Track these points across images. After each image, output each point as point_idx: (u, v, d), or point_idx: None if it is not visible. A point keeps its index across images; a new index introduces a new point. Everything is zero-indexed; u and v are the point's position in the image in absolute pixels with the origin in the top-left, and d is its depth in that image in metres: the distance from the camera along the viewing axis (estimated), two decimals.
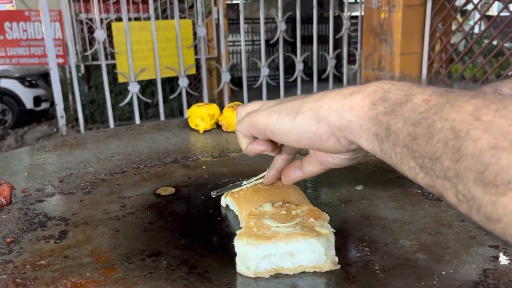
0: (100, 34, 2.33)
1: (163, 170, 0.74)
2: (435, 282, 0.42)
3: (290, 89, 3.37)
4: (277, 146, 0.50)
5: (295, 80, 2.87)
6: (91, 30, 4.72)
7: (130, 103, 2.47)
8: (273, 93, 2.52)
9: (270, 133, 0.44)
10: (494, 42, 2.60)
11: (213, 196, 0.59)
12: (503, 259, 0.45)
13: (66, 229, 0.54)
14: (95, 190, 0.66)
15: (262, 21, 2.66)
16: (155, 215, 0.58)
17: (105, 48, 2.62)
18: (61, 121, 2.30)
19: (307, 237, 0.45)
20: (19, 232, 0.54)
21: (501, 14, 2.12)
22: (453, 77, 2.64)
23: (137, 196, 0.64)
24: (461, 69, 2.48)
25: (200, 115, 0.91)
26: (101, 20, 2.71)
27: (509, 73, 3.01)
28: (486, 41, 2.48)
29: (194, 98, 3.90)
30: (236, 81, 3.98)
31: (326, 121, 0.39)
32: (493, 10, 4.22)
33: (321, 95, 0.41)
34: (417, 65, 2.68)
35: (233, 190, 0.59)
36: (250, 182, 0.59)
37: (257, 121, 0.44)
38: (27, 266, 0.46)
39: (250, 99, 2.06)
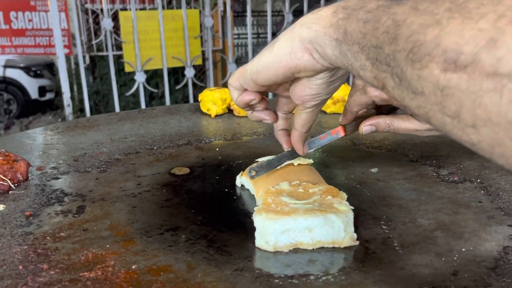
0: (107, 23, 2.32)
1: (177, 151, 0.74)
2: (455, 258, 0.42)
3: None
4: (264, 99, 0.51)
5: None
6: (96, 21, 4.71)
7: (134, 95, 2.46)
8: None
9: (255, 75, 0.45)
10: None
11: (250, 178, 0.57)
12: None
13: (84, 204, 0.55)
14: (110, 169, 0.66)
15: (269, 12, 2.65)
16: (171, 193, 0.58)
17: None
18: (68, 110, 2.30)
19: (326, 213, 0.46)
20: (37, 206, 0.54)
21: None
22: None
23: (152, 175, 0.64)
24: None
25: (212, 99, 0.91)
26: (108, 10, 2.70)
27: None
28: None
29: (199, 90, 3.91)
30: None
31: (298, 37, 0.40)
32: None
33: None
34: None
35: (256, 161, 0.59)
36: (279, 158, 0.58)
37: (244, 69, 0.46)
38: (47, 237, 0.46)
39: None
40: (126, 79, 4.51)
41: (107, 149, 0.74)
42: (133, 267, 0.41)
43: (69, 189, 0.59)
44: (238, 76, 0.48)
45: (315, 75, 0.42)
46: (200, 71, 4.92)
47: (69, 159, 0.70)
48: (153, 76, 4.49)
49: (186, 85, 2.62)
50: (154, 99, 5.08)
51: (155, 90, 2.88)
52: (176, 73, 4.82)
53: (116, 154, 0.72)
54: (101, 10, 3.29)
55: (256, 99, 0.48)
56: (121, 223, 0.50)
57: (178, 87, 2.69)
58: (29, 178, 0.62)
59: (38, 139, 0.80)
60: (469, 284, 0.38)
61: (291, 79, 0.45)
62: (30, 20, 3.99)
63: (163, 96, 3.44)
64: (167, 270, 0.41)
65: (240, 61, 6.22)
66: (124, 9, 3.89)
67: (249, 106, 0.50)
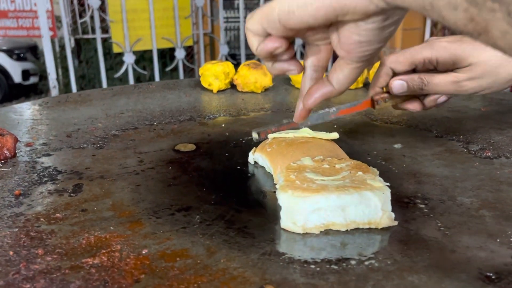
0: (94, 1, 2.22)
1: (179, 127, 0.68)
2: (511, 239, 0.37)
3: None
4: (291, 47, 0.41)
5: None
6: (81, 2, 4.56)
7: (121, 79, 2.37)
8: None
9: (286, 16, 0.35)
10: None
11: (255, 141, 0.52)
12: None
13: (80, 182, 0.48)
14: (107, 145, 0.60)
15: None
16: (178, 170, 0.52)
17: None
18: (54, 92, 2.21)
19: (360, 190, 0.40)
20: (27, 185, 0.47)
21: None
22: None
23: (155, 152, 0.58)
24: None
25: (214, 73, 0.84)
26: None
27: None
28: None
29: (188, 74, 3.80)
30: (230, 58, 3.88)
31: None
32: None
33: None
34: (419, 41, 2.62)
35: (270, 137, 0.53)
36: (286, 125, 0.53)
37: (271, 8, 0.36)
38: (41, 219, 0.40)
39: None
40: (112, 63, 4.39)
41: (102, 125, 0.68)
42: (144, 252, 0.35)
43: (63, 166, 0.53)
44: (260, 18, 0.38)
45: (365, 19, 0.33)
46: (188, 55, 4.81)
47: (61, 135, 0.63)
48: (140, 60, 4.37)
49: (175, 68, 2.54)
50: (141, 82, 4.97)
51: (145, 72, 2.80)
52: (164, 57, 4.71)
53: (113, 130, 0.66)
54: None
55: (282, 47, 0.38)
56: (125, 202, 0.44)
57: (168, 68, 2.60)
58: (17, 155, 0.55)
59: (25, 114, 0.72)
60: None
61: (330, 23, 0.36)
62: (12, 1, 3.83)
63: (150, 80, 3.35)
64: (183, 255, 0.35)
65: (229, 44, 6.12)
66: None
67: (272, 56, 0.40)
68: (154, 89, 0.87)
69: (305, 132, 0.55)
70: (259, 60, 2.71)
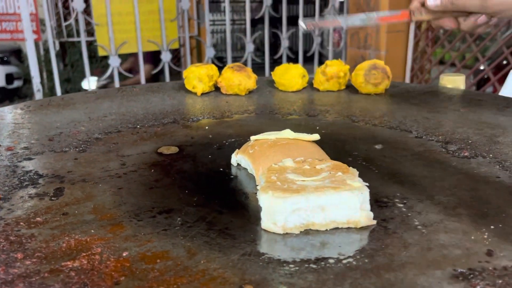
0: (78, 4, 2.20)
1: (163, 130, 0.68)
2: (485, 236, 0.38)
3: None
4: None
5: (280, 58, 2.81)
6: (66, 5, 4.52)
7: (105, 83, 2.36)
8: (256, 71, 2.45)
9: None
10: None
11: (302, 31, 0.53)
12: None
13: (62, 186, 0.48)
14: (89, 148, 0.60)
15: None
16: (160, 173, 0.52)
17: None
18: (38, 95, 2.18)
19: (340, 190, 0.41)
20: (8, 189, 0.47)
21: None
22: (436, 58, 2.63)
23: (138, 155, 0.58)
24: (442, 52, 2.47)
25: (198, 76, 0.84)
26: None
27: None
28: None
29: (174, 77, 3.79)
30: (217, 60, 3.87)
31: None
32: None
33: None
34: (403, 44, 2.66)
35: (252, 139, 0.53)
36: None
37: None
38: (21, 223, 0.40)
39: None
40: (99, 66, 4.36)
41: (85, 128, 0.67)
42: (124, 254, 0.36)
43: (44, 170, 0.52)
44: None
45: None
46: (175, 58, 4.80)
47: (43, 139, 0.63)
48: (124, 63, 4.34)
49: (161, 71, 2.53)
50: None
51: (130, 75, 2.78)
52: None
53: (95, 133, 0.65)
54: None
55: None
56: (107, 205, 0.44)
57: (154, 72, 2.59)
58: None
59: (6, 117, 0.72)
60: (508, 264, 0.34)
61: None
62: None
63: (135, 84, 3.32)
64: (164, 256, 0.35)
65: (216, 47, 6.09)
66: None
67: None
68: (138, 92, 0.87)
69: (287, 133, 0.55)
70: (244, 63, 2.71)
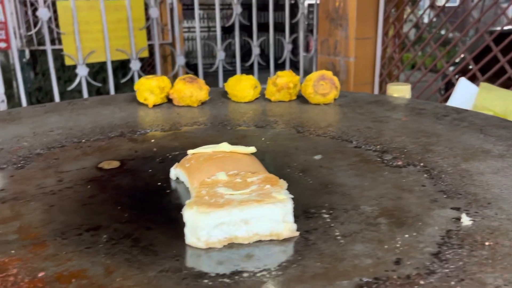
0: (43, 13, 2.18)
1: (108, 144, 0.68)
2: (398, 245, 0.39)
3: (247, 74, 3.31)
4: None
5: (252, 66, 2.83)
6: (35, 13, 4.45)
7: (80, 90, 2.33)
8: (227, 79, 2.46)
9: None
10: (443, 31, 2.67)
11: None
12: (466, 220, 0.43)
13: None
14: (28, 165, 0.60)
15: (217, 6, 2.59)
16: (97, 189, 0.52)
17: (51, 31, 2.45)
18: (2, 106, 2.14)
19: (263, 203, 0.42)
20: None
21: (448, 4, 2.18)
22: (404, 64, 2.69)
23: (77, 170, 0.58)
24: (412, 56, 2.52)
25: (149, 88, 0.85)
26: None
27: (456, 60, 3.11)
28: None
29: None
30: (191, 68, 3.87)
31: None
32: (441, 0, 4.34)
33: None
34: (371, 50, 2.71)
35: (190, 153, 0.54)
36: None
37: None
38: None
39: (206, 84, 1.97)
40: (71, 75, 4.30)
41: (28, 143, 0.67)
42: (40, 274, 0.36)
43: None
44: None
45: None
46: (150, 65, 4.77)
47: None
48: (100, 71, 4.30)
49: (132, 79, 2.51)
50: (101, 94, 4.88)
51: (99, 85, 2.75)
52: (124, 68, 4.65)
53: (37, 149, 0.65)
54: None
55: None
56: (33, 224, 0.44)
57: (123, 80, 2.58)
58: None
59: None
60: (411, 273, 0.35)
61: None
62: None
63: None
64: (80, 275, 0.36)
65: (191, 54, 6.07)
66: None
67: None
68: (89, 105, 0.87)
69: (224, 147, 0.56)
70: (215, 70, 2.70)
